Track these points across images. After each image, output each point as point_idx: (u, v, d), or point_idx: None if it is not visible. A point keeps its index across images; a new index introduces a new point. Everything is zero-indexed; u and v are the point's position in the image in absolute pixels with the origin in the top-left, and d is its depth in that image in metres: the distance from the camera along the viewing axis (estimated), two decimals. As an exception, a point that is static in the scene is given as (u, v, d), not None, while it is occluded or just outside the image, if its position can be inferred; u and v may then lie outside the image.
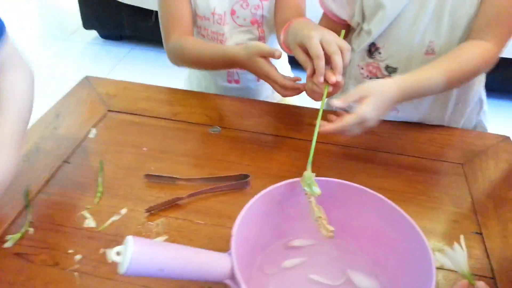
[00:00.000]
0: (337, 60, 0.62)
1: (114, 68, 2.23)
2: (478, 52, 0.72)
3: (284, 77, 0.73)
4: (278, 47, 0.89)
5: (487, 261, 0.59)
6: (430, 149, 0.78)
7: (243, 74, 1.02)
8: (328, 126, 0.63)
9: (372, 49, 0.82)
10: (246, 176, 0.69)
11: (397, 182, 0.71)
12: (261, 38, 0.98)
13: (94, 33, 2.50)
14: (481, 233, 0.62)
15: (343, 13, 0.83)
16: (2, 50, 0.63)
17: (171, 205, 0.66)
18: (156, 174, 0.70)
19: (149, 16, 2.12)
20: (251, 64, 0.76)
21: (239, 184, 0.69)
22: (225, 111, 0.88)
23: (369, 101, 0.62)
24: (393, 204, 0.52)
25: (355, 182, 0.70)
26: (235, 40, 0.96)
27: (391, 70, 0.81)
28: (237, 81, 1.04)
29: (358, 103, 0.63)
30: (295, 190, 0.56)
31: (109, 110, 0.87)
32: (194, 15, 0.95)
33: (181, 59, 0.93)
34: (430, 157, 0.76)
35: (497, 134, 0.82)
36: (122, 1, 2.16)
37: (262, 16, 0.95)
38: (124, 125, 0.84)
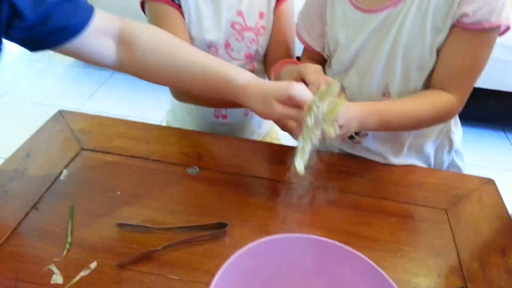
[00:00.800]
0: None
1: (95, 93, 2.19)
2: (444, 102, 0.75)
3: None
4: None
5: (473, 319, 0.57)
6: (413, 194, 0.77)
7: (231, 109, 1.00)
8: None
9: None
10: (224, 225, 0.66)
11: (380, 230, 0.69)
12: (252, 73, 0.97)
13: (74, 56, 2.46)
14: (466, 288, 0.60)
15: (316, 46, 0.88)
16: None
17: (144, 258, 0.62)
18: (129, 223, 0.66)
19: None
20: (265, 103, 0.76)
21: (217, 234, 0.66)
22: (204, 150, 0.85)
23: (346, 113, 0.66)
24: (373, 264, 0.50)
25: (338, 230, 0.69)
26: None
27: None
28: (224, 117, 1.02)
29: None
30: (279, 247, 0.54)
31: (82, 148, 0.83)
32: None
33: (186, 95, 0.94)
34: (413, 202, 0.75)
35: (481, 177, 0.81)
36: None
37: (256, 51, 0.95)
38: (98, 165, 0.80)
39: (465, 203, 0.75)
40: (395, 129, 0.80)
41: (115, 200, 0.72)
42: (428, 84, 0.78)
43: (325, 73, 0.79)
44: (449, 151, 0.89)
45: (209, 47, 0.92)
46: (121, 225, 0.66)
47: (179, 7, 0.88)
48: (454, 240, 0.68)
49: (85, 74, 2.37)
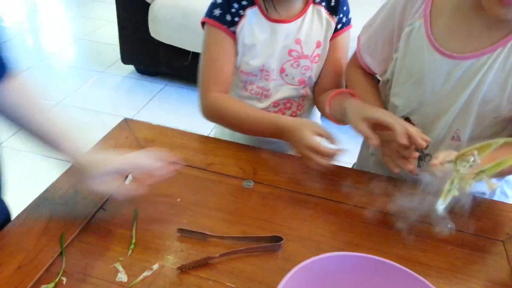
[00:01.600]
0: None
1: (148, 103, 2.29)
2: None
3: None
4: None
5: None
6: (469, 222, 0.75)
7: None
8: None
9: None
10: (279, 239, 0.68)
11: (435, 257, 0.68)
12: (304, 98, 1.02)
13: (131, 67, 2.59)
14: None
15: (376, 69, 0.89)
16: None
17: (203, 263, 0.65)
18: (189, 229, 0.70)
19: (184, 56, 2.19)
20: (299, 132, 0.82)
21: (272, 247, 0.68)
22: (258, 165, 0.88)
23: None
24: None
25: (391, 254, 0.69)
26: (280, 96, 0.99)
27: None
28: None
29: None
30: (339, 263, 0.55)
31: (145, 156, 0.88)
32: (237, 72, 0.98)
33: (219, 117, 0.96)
34: (469, 231, 0.74)
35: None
36: (160, 40, 2.25)
37: (310, 77, 0.99)
38: (160, 172, 0.85)
39: (521, 235, 0.73)
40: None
41: (176, 207, 0.76)
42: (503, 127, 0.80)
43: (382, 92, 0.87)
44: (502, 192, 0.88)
45: (261, 71, 0.96)
46: (181, 231, 0.70)
47: (233, 34, 0.93)
48: (511, 273, 0.66)
49: (139, 85, 2.49)
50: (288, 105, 1.02)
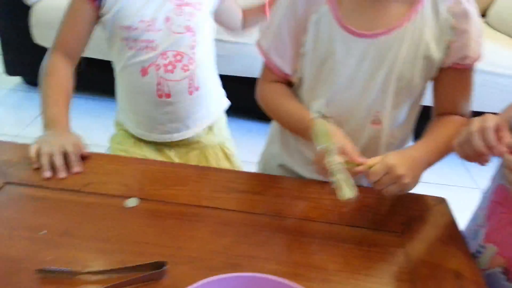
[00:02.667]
0: None
1: (38, 117, 2.06)
2: (463, 123, 0.75)
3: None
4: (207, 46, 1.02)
5: None
6: (366, 217, 0.73)
7: (173, 86, 0.97)
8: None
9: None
10: (161, 265, 0.59)
11: (332, 258, 0.64)
12: (194, 50, 0.98)
13: (17, 79, 2.32)
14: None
15: (288, 69, 0.81)
16: None
17: (69, 307, 0.54)
18: (51, 268, 0.58)
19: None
20: None
21: (153, 275, 0.59)
22: (146, 179, 0.78)
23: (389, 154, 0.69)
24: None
25: (287, 259, 0.64)
26: (167, 46, 0.95)
27: None
28: (168, 95, 0.98)
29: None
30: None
31: (6, 182, 0.74)
32: (116, 32, 0.93)
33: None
34: (366, 225, 0.71)
35: (433, 197, 0.79)
36: (47, 46, 2.03)
37: (197, 23, 0.95)
38: (23, 201, 0.72)
39: (419, 226, 0.72)
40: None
41: (39, 241, 0.63)
42: (413, 110, 0.81)
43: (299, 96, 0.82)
44: None
45: (141, 22, 0.91)
46: (41, 272, 0.58)
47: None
48: (408, 266, 0.65)
49: (28, 98, 2.23)
50: (179, 57, 0.96)
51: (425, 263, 0.66)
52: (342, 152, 0.67)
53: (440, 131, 0.77)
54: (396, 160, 0.68)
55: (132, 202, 0.72)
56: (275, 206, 0.73)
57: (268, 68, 0.82)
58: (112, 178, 0.78)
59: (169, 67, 0.96)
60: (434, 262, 0.66)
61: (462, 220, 0.77)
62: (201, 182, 0.78)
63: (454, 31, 0.73)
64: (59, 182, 0.75)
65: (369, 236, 0.70)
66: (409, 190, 0.71)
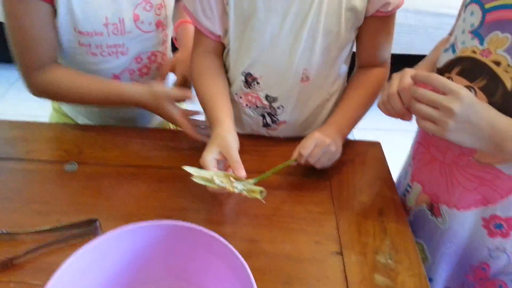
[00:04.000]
0: None
1: (7, 92, 2.04)
2: (380, 76, 0.80)
3: (192, 125, 0.78)
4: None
5: (345, 283, 0.57)
6: (299, 166, 0.76)
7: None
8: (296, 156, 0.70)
9: (249, 80, 0.78)
10: (93, 221, 0.62)
11: (265, 206, 0.67)
12: (165, 44, 0.91)
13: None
14: (341, 253, 0.61)
15: (217, 29, 0.78)
16: None
17: (6, 266, 0.57)
18: (-11, 230, 0.61)
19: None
20: (158, 109, 0.79)
21: (87, 231, 0.62)
22: (85, 144, 0.80)
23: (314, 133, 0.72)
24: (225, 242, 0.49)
25: (219, 210, 0.67)
26: (140, 49, 0.85)
27: (271, 99, 0.80)
28: (117, 76, 0.87)
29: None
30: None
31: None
32: (74, 37, 0.80)
33: (52, 94, 0.83)
34: (297, 174, 0.74)
35: (366, 141, 0.82)
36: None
37: (166, 16, 0.87)
38: (-34, 171, 0.74)
39: (348, 169, 0.76)
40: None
41: (-21, 208, 0.66)
42: (345, 62, 0.81)
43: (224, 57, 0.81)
44: None
45: (106, 25, 0.79)
46: (-20, 235, 0.61)
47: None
48: (334, 208, 0.68)
49: (-6, 74, 2.20)
50: (153, 58, 0.89)
51: (349, 204, 0.69)
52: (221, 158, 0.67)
53: (358, 93, 0.79)
54: (321, 132, 0.71)
55: (71, 167, 0.74)
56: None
57: (199, 31, 0.79)
58: (53, 145, 0.79)
59: (144, 70, 0.89)
60: (359, 202, 0.69)
61: (398, 163, 0.81)
62: (140, 143, 0.80)
63: None
64: (3, 152, 0.77)
65: (299, 182, 0.73)
66: (335, 159, 0.73)
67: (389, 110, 0.63)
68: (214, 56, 0.81)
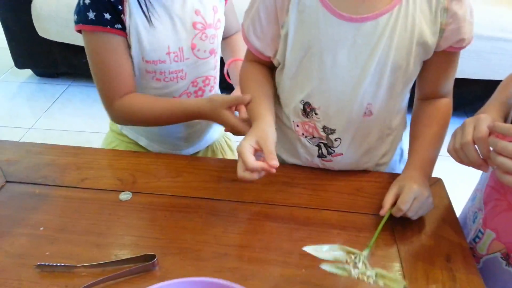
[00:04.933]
0: None
1: (49, 109, 2.11)
2: (447, 108, 0.78)
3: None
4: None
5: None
6: (357, 201, 0.73)
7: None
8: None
9: (307, 109, 0.76)
10: (152, 257, 0.61)
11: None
12: (215, 67, 0.97)
13: (28, 72, 2.37)
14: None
15: (268, 51, 0.78)
16: None
17: (65, 301, 0.57)
18: (49, 263, 0.61)
19: (81, 52, 2.02)
20: (216, 116, 0.81)
21: (145, 267, 0.61)
22: (138, 172, 0.80)
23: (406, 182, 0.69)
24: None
25: (276, 245, 0.65)
26: (196, 74, 0.93)
27: (328, 131, 0.76)
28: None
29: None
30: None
31: (7, 181, 0.77)
32: (141, 65, 0.87)
33: (130, 119, 0.89)
34: (357, 210, 0.71)
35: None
36: (50, 38, 2.06)
37: (218, 44, 0.94)
38: (24, 198, 0.75)
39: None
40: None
41: (37, 238, 0.66)
42: (407, 96, 0.78)
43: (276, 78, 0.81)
44: (400, 161, 0.87)
45: (168, 54, 0.86)
46: (40, 267, 0.61)
47: (121, 31, 0.81)
48: (399, 253, 0.65)
49: (40, 90, 2.28)
50: (207, 81, 0.96)
51: (415, 246, 0.65)
52: (257, 148, 0.67)
53: (433, 130, 0.76)
54: (416, 184, 0.68)
55: (125, 197, 0.74)
56: (266, 194, 0.74)
57: (249, 51, 0.81)
58: (107, 172, 0.80)
59: (199, 93, 0.96)
60: (425, 245, 0.66)
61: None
62: (192, 173, 0.80)
63: (448, 13, 0.68)
64: (56, 178, 0.78)
65: (358, 219, 0.70)
66: (431, 209, 0.70)
67: (462, 159, 0.60)
68: (263, 65, 0.82)
